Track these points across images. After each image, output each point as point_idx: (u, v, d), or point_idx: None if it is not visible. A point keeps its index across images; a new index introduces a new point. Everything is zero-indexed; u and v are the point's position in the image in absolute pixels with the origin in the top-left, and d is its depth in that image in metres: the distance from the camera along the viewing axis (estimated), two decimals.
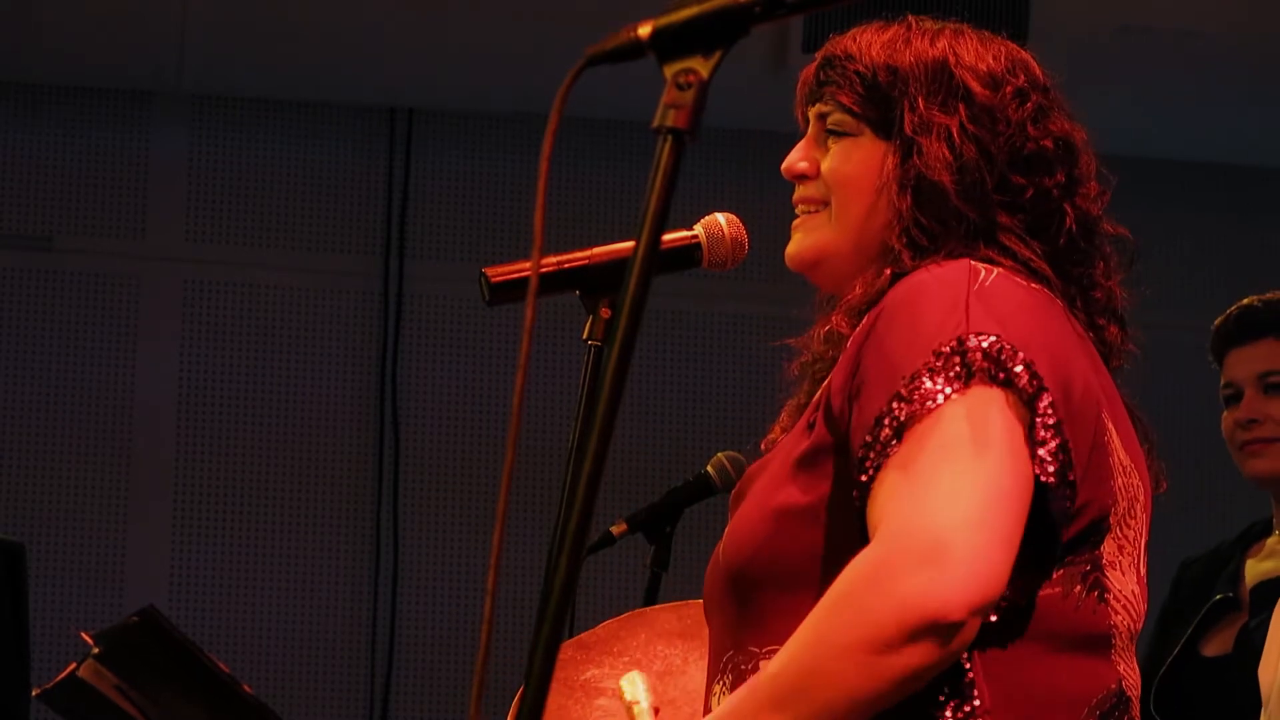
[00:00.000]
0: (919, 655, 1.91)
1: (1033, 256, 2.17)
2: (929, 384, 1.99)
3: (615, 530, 3.68)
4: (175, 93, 6.41)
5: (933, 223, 2.17)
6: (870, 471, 2.00)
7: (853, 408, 2.06)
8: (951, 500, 1.93)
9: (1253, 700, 3.18)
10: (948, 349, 2.00)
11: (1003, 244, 2.17)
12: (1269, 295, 3.98)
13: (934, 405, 1.98)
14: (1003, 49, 2.25)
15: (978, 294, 2.06)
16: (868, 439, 2.01)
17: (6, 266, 6.35)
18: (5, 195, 6.38)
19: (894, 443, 1.98)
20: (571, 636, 2.72)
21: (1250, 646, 3.67)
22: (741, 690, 2.03)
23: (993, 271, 2.10)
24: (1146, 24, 5.82)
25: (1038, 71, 2.26)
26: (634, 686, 2.30)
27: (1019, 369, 1.99)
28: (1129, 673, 2.15)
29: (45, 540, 6.19)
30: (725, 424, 6.50)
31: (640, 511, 3.71)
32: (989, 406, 1.98)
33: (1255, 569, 3.94)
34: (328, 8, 5.86)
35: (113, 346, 6.36)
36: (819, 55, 2.29)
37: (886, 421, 2.00)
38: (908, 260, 2.16)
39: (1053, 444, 1.99)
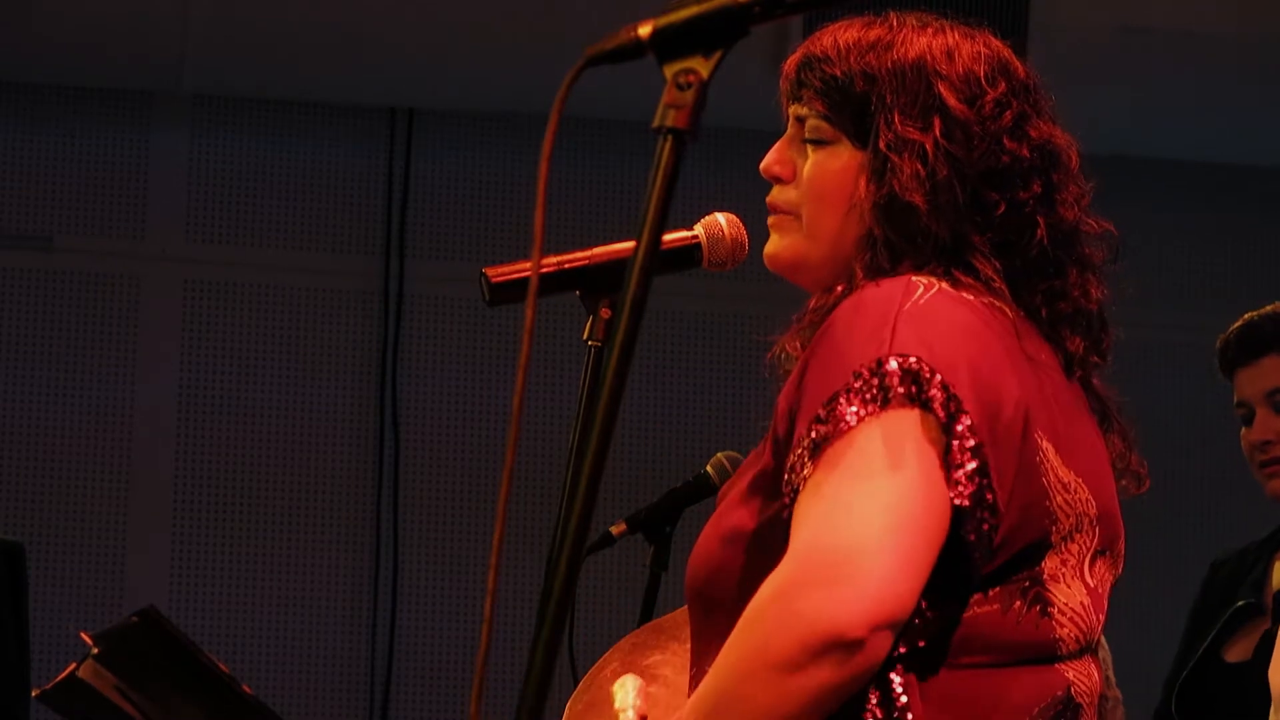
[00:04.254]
0: (824, 674, 1.92)
1: (993, 275, 2.15)
2: (845, 406, 1.99)
3: (615, 530, 3.68)
4: (175, 93, 6.41)
5: (902, 241, 2.15)
6: (790, 495, 2.01)
7: (793, 432, 2.07)
8: (857, 520, 1.94)
9: (1270, 706, 3.17)
10: (866, 371, 2.00)
11: (967, 261, 2.15)
12: (1268, 309, 3.96)
13: (848, 427, 1.98)
14: (984, 50, 2.22)
15: (908, 313, 2.04)
16: (790, 462, 2.02)
17: (6, 266, 6.35)
18: (5, 195, 6.38)
19: (809, 465, 1.99)
20: (571, 637, 2.72)
21: (1272, 653, 3.66)
22: (679, 713, 2.06)
23: (932, 288, 2.09)
24: (1146, 24, 5.81)
25: (1021, 72, 2.23)
26: (624, 692, 2.30)
27: (935, 392, 1.98)
28: (1081, 678, 2.14)
29: (45, 540, 6.19)
30: (725, 424, 6.50)
31: (640, 512, 3.70)
32: (903, 429, 1.98)
33: None
34: (328, 8, 5.86)
35: (113, 347, 6.36)
36: (800, 50, 2.27)
37: (805, 444, 2.01)
38: (860, 279, 2.15)
39: (970, 467, 1.98)
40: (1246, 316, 3.98)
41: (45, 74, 6.34)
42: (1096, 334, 2.25)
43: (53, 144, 6.41)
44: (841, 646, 1.91)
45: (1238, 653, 3.88)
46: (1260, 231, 6.92)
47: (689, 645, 2.34)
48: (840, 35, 2.23)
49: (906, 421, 1.98)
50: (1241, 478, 4.09)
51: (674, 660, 2.43)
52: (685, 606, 2.47)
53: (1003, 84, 2.20)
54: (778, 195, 2.28)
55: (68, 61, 6.25)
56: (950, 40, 2.21)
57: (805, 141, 2.25)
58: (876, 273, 2.15)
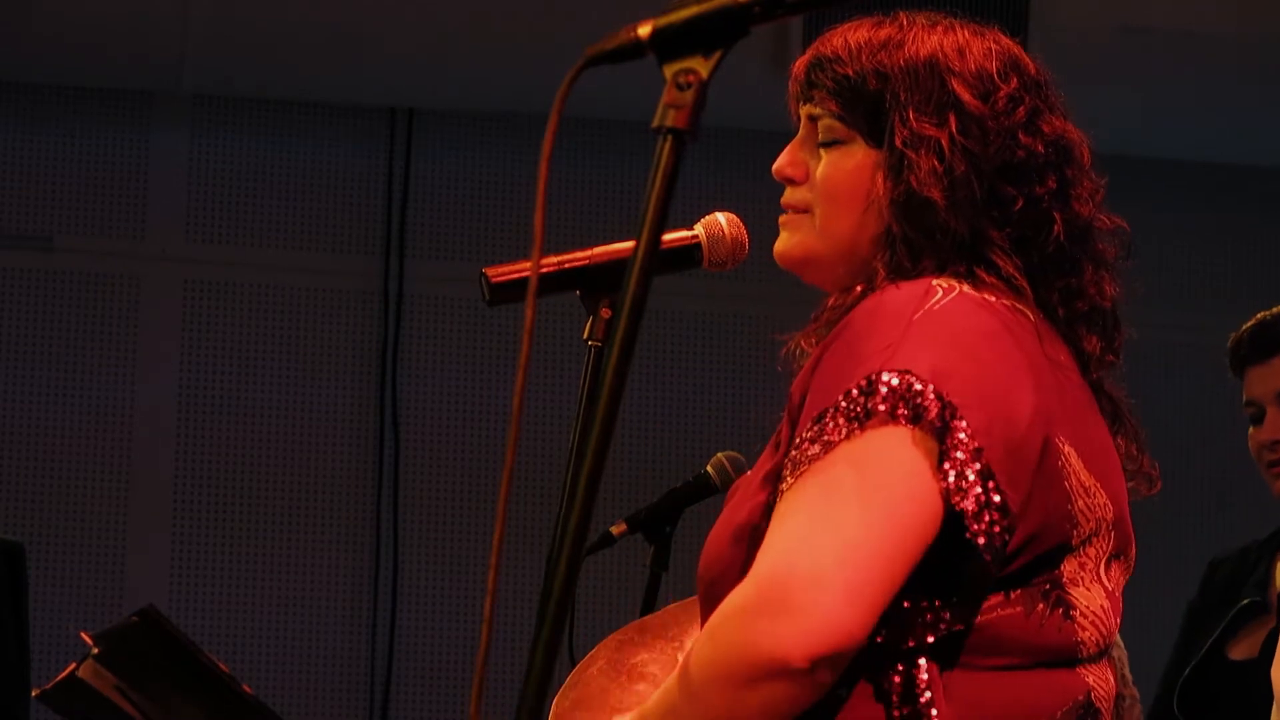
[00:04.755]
0: (772, 694, 1.97)
1: (1014, 273, 2.15)
2: (831, 424, 2.00)
3: (615, 530, 3.67)
4: (175, 93, 6.41)
5: (920, 238, 2.15)
6: (773, 502, 2.04)
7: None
8: (814, 548, 1.96)
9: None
10: (856, 389, 2.01)
11: (988, 259, 2.15)
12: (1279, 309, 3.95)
13: (830, 446, 1.99)
14: (995, 46, 2.22)
15: (920, 321, 2.05)
16: (779, 470, 2.05)
17: (6, 266, 6.35)
18: (5, 195, 6.38)
19: (789, 478, 2.01)
20: (571, 637, 2.72)
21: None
22: (646, 703, 2.11)
23: (952, 291, 2.09)
24: (1146, 24, 5.81)
25: (1031, 68, 2.23)
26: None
27: (927, 402, 1.98)
28: (1100, 683, 2.15)
29: (45, 540, 6.19)
30: (725, 424, 6.50)
31: (640, 512, 3.70)
32: (884, 447, 1.98)
33: None
34: (328, 8, 5.86)
35: (113, 347, 6.36)
36: (810, 51, 2.27)
37: (792, 455, 2.02)
38: (881, 280, 2.15)
39: (972, 469, 1.98)
40: (1260, 315, 3.97)
41: (45, 74, 6.34)
42: (1110, 333, 2.24)
43: (53, 144, 6.41)
44: (786, 674, 1.95)
45: (1242, 651, 3.88)
46: (1260, 231, 6.93)
47: (676, 644, 2.35)
48: (850, 35, 2.23)
49: (888, 439, 1.99)
50: (1242, 478, 4.09)
51: (661, 658, 2.44)
52: (671, 606, 2.49)
53: (1015, 80, 2.21)
54: (790, 196, 2.28)
55: (68, 61, 6.25)
56: (961, 38, 2.22)
57: (819, 142, 2.25)
58: (898, 271, 2.14)
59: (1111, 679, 2.18)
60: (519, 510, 5.94)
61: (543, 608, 1.51)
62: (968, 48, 2.21)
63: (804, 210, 2.26)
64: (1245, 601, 3.88)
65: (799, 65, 2.28)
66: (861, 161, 2.21)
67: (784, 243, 2.28)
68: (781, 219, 2.29)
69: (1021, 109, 2.19)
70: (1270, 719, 3.20)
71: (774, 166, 2.29)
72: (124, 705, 2.84)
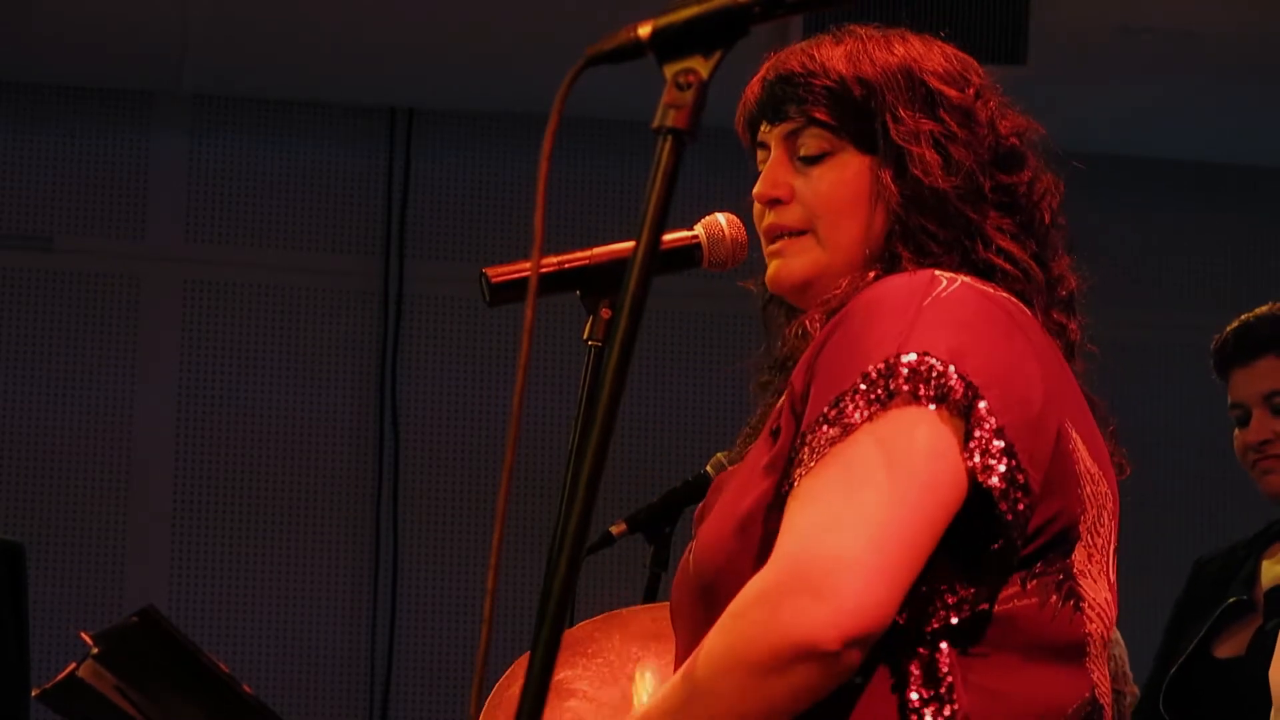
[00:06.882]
0: (797, 679, 1.94)
1: (1025, 257, 2.18)
2: (850, 406, 2.00)
3: (614, 530, 3.67)
4: (175, 93, 6.42)
5: (938, 227, 2.17)
6: (787, 488, 2.02)
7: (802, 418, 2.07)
8: (840, 531, 1.94)
9: (1264, 703, 3.17)
10: (875, 372, 2.00)
11: (1000, 246, 2.18)
12: (1263, 310, 3.96)
13: (850, 428, 1.99)
14: (949, 49, 2.27)
15: (930, 306, 2.05)
16: (793, 454, 2.04)
17: (6, 266, 6.35)
18: (5, 195, 6.38)
19: (807, 464, 2.00)
20: None
21: (1264, 650, 3.66)
22: (654, 696, 2.08)
23: (955, 281, 2.10)
24: (1146, 24, 5.82)
25: (981, 70, 2.28)
26: (643, 681, 2.31)
27: (951, 382, 1.99)
28: (1101, 680, 2.16)
29: (45, 540, 6.19)
30: (725, 424, 6.50)
31: (639, 511, 3.70)
32: (907, 427, 1.98)
33: (1271, 571, 3.93)
34: (328, 8, 5.86)
35: (112, 346, 6.37)
36: (768, 72, 2.28)
37: (809, 440, 2.01)
38: (905, 263, 2.16)
39: (995, 448, 1.99)
40: (1243, 317, 3.98)
41: (45, 74, 6.34)
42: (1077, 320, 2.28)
43: (53, 144, 6.41)
44: (815, 656, 1.92)
45: (1228, 649, 3.88)
46: (1260, 231, 6.93)
47: (598, 660, 2.34)
48: (816, 51, 2.25)
49: (912, 419, 1.98)
50: (1243, 477, 4.09)
51: (586, 675, 2.43)
52: (585, 622, 2.48)
53: (976, 77, 2.26)
54: (782, 217, 2.27)
55: (68, 61, 6.25)
56: (918, 45, 2.26)
57: (801, 158, 2.25)
58: (926, 256, 2.17)
59: (1107, 675, 2.19)
60: (519, 510, 5.94)
61: (543, 608, 1.51)
62: (928, 52, 2.25)
63: (801, 230, 2.26)
64: (1231, 600, 3.89)
65: (755, 87, 2.28)
66: (858, 168, 2.22)
67: (786, 266, 2.27)
68: (775, 247, 2.28)
69: (993, 103, 2.24)
70: (1263, 718, 3.20)
71: (755, 192, 2.28)
72: (124, 705, 2.84)
